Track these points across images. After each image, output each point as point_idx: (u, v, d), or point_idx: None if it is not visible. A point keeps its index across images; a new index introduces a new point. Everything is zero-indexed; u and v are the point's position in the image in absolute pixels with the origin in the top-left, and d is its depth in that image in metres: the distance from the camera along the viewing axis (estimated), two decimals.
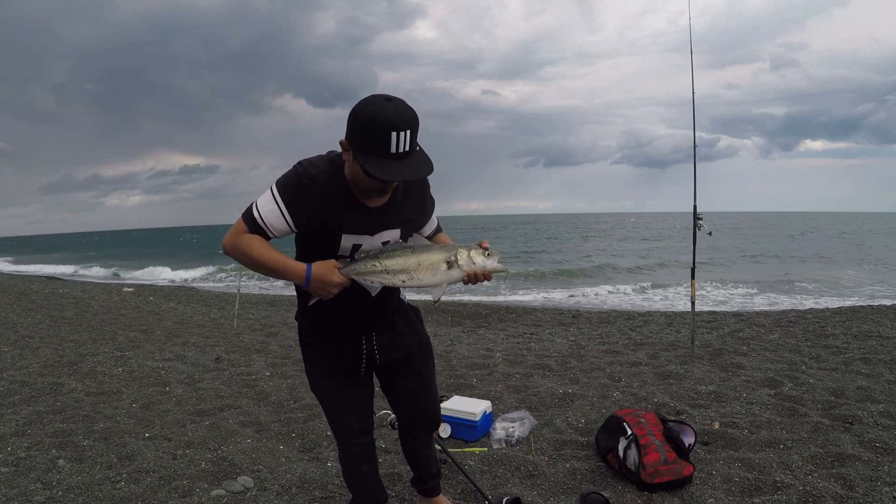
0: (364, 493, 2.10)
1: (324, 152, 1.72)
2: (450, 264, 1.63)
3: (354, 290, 1.72)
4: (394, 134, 1.46)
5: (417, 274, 1.65)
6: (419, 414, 2.11)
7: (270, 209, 1.64)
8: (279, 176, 1.67)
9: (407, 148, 1.49)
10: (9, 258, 38.22)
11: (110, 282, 18.09)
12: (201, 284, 16.52)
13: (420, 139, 1.57)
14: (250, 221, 1.66)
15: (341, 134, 1.57)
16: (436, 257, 1.65)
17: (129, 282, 18.14)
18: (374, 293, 1.69)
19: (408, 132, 1.48)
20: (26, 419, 3.58)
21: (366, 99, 1.52)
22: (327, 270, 1.62)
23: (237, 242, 1.67)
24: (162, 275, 21.11)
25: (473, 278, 1.65)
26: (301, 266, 1.63)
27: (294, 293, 1.94)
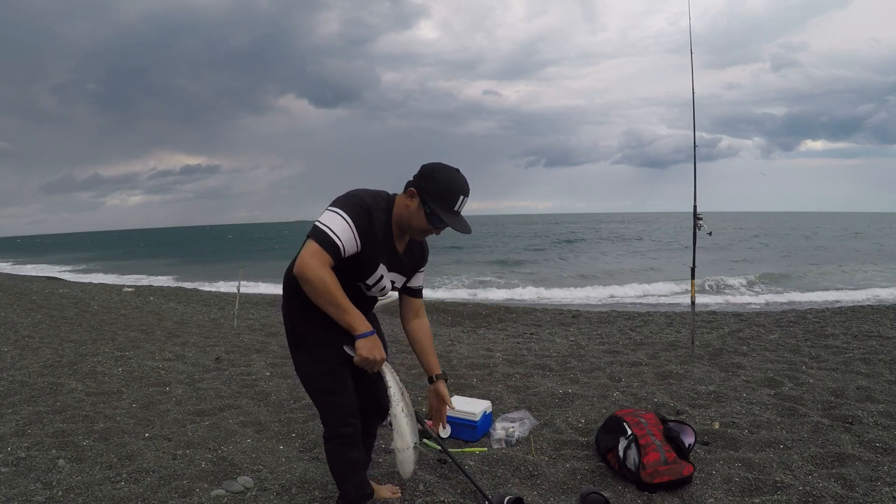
0: (352, 484, 2.12)
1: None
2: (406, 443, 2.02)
3: (350, 292, 1.90)
4: (461, 197, 1.92)
5: (396, 421, 2.02)
6: (376, 402, 2.25)
7: (344, 229, 1.83)
8: (335, 200, 1.89)
9: (461, 209, 1.96)
10: (9, 260, 37.87)
11: (110, 282, 18.07)
12: (201, 285, 16.51)
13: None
14: (329, 245, 1.80)
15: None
16: (408, 428, 2.04)
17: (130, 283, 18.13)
18: (384, 386, 2.03)
19: (467, 199, 1.95)
20: (26, 419, 3.58)
21: (439, 164, 1.94)
22: (378, 344, 1.90)
23: (322, 274, 1.79)
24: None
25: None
26: (366, 326, 1.87)
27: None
